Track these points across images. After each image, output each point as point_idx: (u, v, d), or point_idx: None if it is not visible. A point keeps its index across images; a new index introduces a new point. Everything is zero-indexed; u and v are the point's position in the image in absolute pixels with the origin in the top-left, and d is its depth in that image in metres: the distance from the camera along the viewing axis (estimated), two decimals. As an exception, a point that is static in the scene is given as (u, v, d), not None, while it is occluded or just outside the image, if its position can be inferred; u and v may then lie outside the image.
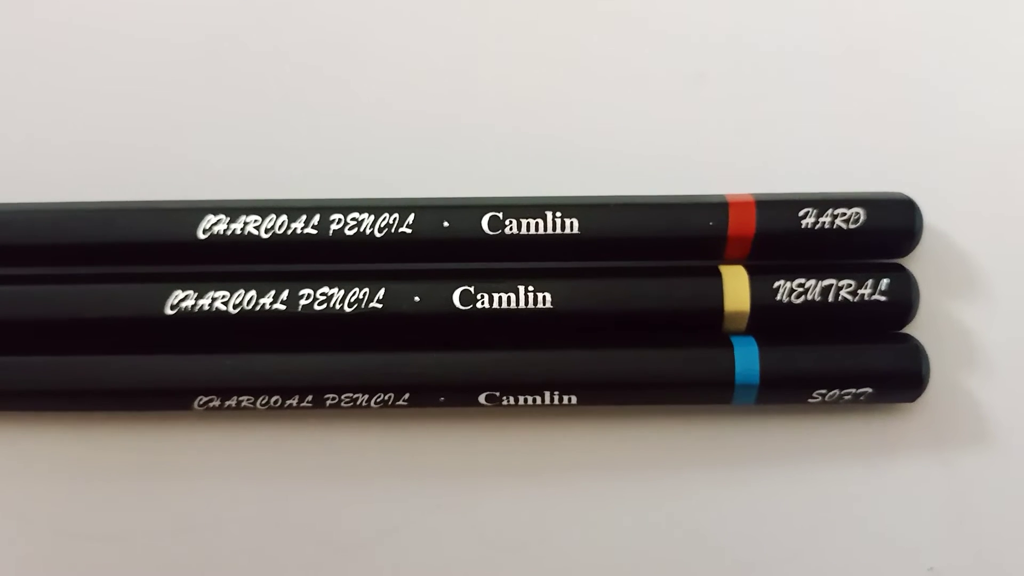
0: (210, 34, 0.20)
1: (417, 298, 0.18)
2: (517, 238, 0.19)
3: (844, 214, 0.19)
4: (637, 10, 0.20)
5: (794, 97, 0.20)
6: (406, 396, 0.18)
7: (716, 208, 0.19)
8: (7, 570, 0.19)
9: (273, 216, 0.19)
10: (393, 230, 0.19)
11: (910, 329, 0.19)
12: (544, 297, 0.18)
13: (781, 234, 0.19)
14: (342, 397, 0.18)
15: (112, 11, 0.20)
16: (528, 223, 0.19)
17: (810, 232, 0.19)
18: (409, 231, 0.19)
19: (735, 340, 0.18)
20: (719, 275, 0.19)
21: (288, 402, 0.19)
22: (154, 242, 0.19)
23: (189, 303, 0.18)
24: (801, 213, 0.19)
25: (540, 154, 0.20)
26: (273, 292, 0.18)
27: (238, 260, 0.19)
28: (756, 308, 0.18)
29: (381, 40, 0.20)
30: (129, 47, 0.20)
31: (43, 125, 0.20)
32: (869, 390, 0.18)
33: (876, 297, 0.19)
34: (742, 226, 0.19)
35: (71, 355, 0.18)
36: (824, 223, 0.19)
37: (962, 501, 0.19)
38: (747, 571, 0.19)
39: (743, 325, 0.19)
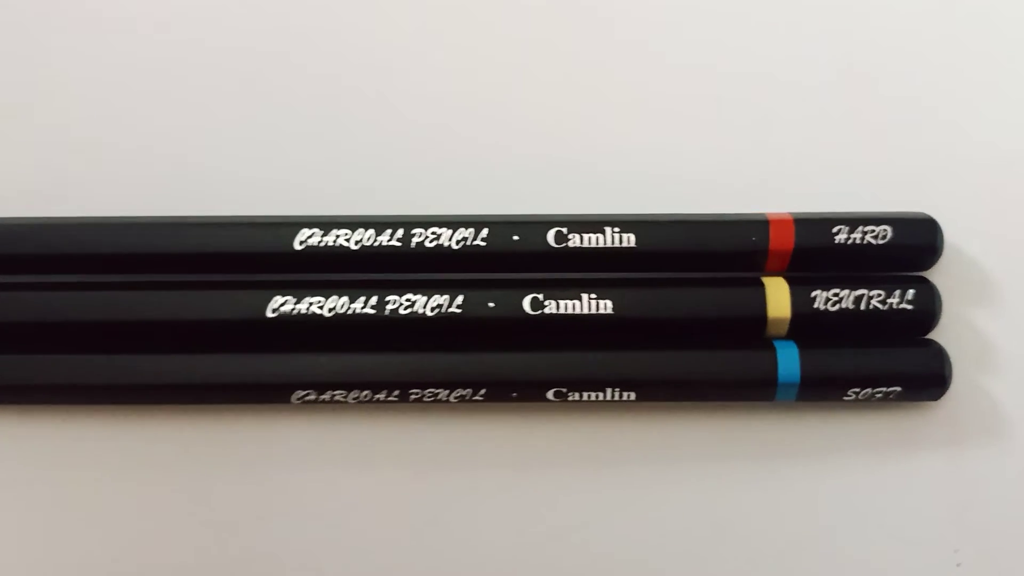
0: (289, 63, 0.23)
1: (491, 304, 0.21)
2: (580, 251, 0.21)
3: (873, 231, 0.21)
4: (675, 42, 0.23)
5: (824, 123, 0.22)
6: (482, 392, 0.21)
7: (758, 225, 0.21)
8: (124, 554, 0.21)
9: (362, 230, 0.21)
10: (468, 243, 0.21)
11: (933, 335, 0.21)
12: (605, 304, 0.21)
13: (817, 249, 0.21)
14: (425, 392, 0.21)
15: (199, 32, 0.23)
16: (589, 237, 0.21)
17: (843, 247, 0.21)
18: (483, 244, 0.21)
19: (777, 344, 0.20)
20: (762, 285, 0.21)
21: (376, 397, 0.21)
22: (256, 252, 0.21)
23: (288, 307, 0.21)
24: (835, 230, 0.21)
25: (600, 176, 0.22)
26: (363, 298, 0.21)
27: (330, 269, 0.21)
28: (796, 315, 0.20)
29: (447, 67, 0.23)
30: (224, 74, 0.23)
31: (161, 141, 0.22)
32: (898, 389, 0.20)
33: (903, 306, 0.21)
34: (782, 241, 0.21)
35: (185, 354, 0.21)
36: (855, 239, 0.21)
37: (982, 492, 0.21)
38: (788, 552, 0.21)
39: (784, 330, 0.21)
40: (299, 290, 0.21)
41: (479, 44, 0.23)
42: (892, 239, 0.21)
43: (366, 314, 0.21)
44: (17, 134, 0.22)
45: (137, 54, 0.23)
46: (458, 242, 0.21)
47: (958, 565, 0.21)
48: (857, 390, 0.20)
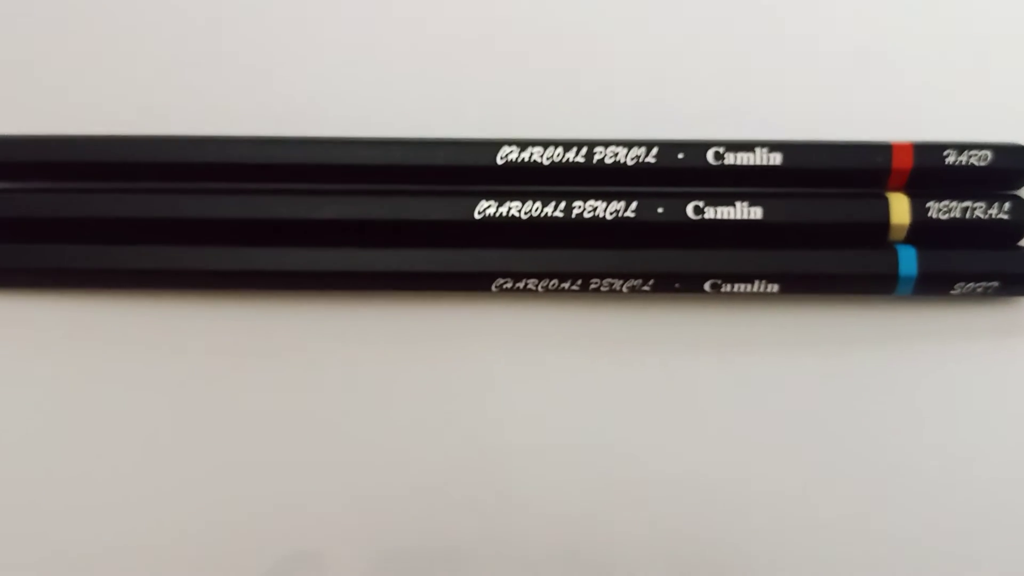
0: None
1: (660, 210, 0.25)
2: (735, 168, 0.25)
3: (976, 155, 0.25)
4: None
5: (939, 66, 0.27)
6: (651, 282, 0.25)
7: (883, 149, 0.25)
8: (286, 424, 0.25)
9: (552, 147, 0.25)
10: (641, 160, 0.25)
11: (1025, 242, 0.25)
12: (756, 211, 0.24)
13: (930, 169, 0.25)
14: (603, 283, 0.25)
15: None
16: (743, 156, 0.25)
17: (952, 167, 0.25)
18: (654, 161, 0.25)
19: (898, 246, 0.25)
20: (886, 199, 0.25)
21: (562, 285, 0.25)
22: (467, 166, 0.25)
23: (492, 210, 0.25)
24: (945, 153, 0.25)
25: (755, 102, 0.26)
26: (554, 203, 0.25)
27: (526, 181, 0.25)
28: (914, 222, 0.24)
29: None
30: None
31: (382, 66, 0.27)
32: (996, 284, 0.24)
33: (1000, 216, 0.25)
34: (902, 163, 0.25)
35: (410, 248, 0.25)
36: (962, 161, 0.25)
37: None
38: (896, 424, 0.25)
39: (903, 235, 0.25)
40: (501, 196, 0.25)
41: None
42: (992, 162, 0.25)
43: (556, 217, 0.25)
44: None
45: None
46: (632, 159, 0.25)
47: (1044, 437, 0.25)
48: (962, 284, 0.25)
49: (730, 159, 0.25)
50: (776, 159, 0.25)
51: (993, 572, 0.24)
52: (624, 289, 0.25)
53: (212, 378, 0.25)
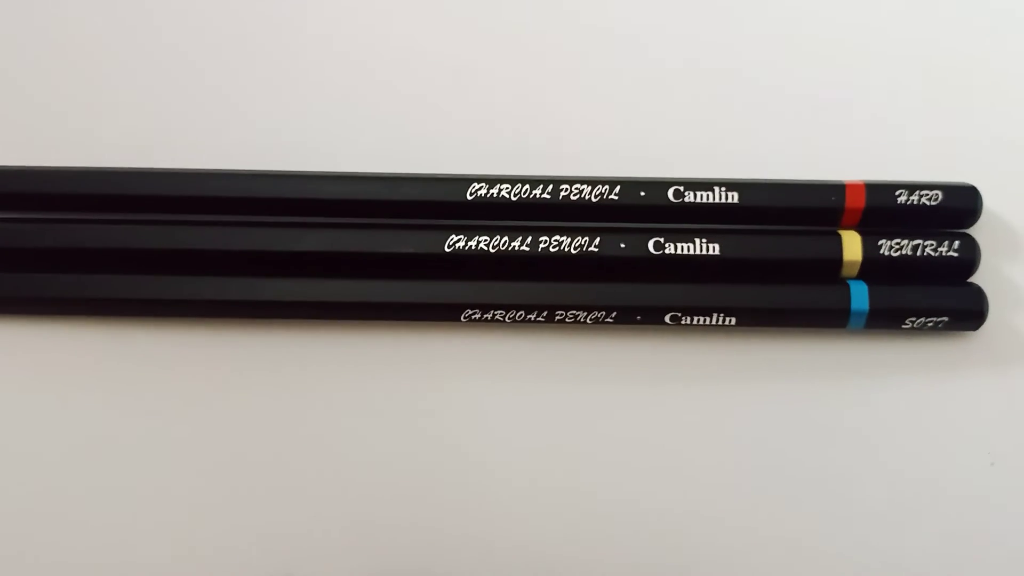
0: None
1: (623, 245, 0.26)
2: (694, 205, 0.26)
3: (927, 194, 0.26)
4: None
5: (892, 109, 0.28)
6: (613, 314, 0.26)
7: (837, 189, 0.26)
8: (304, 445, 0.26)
9: (520, 184, 0.26)
10: (605, 197, 0.26)
11: (974, 279, 0.26)
12: (714, 247, 0.26)
13: (882, 208, 0.26)
14: (567, 314, 0.26)
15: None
16: (701, 194, 0.26)
17: (904, 207, 0.26)
18: (617, 198, 0.26)
19: (850, 282, 0.26)
20: (839, 236, 0.26)
21: (528, 316, 0.26)
22: (437, 201, 0.26)
23: (461, 244, 0.26)
24: (897, 193, 0.26)
25: (714, 143, 0.28)
26: (521, 237, 0.26)
27: (494, 216, 0.26)
28: (866, 259, 0.26)
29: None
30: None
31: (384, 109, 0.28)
32: (945, 319, 0.26)
33: (950, 254, 0.26)
34: (855, 201, 0.26)
35: (381, 280, 0.26)
36: (913, 200, 0.26)
37: (1014, 405, 0.26)
38: (849, 451, 0.26)
39: (856, 272, 0.26)
40: (470, 231, 0.26)
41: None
42: (942, 201, 0.26)
43: (523, 251, 0.26)
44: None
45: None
46: (596, 196, 0.26)
47: (992, 464, 0.26)
48: (913, 319, 0.26)
49: (689, 197, 0.26)
50: (733, 197, 0.26)
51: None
52: (588, 321, 0.26)
53: (191, 402, 0.26)
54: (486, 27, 0.29)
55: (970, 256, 0.26)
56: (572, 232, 0.26)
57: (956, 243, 0.26)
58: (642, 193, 0.26)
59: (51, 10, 0.29)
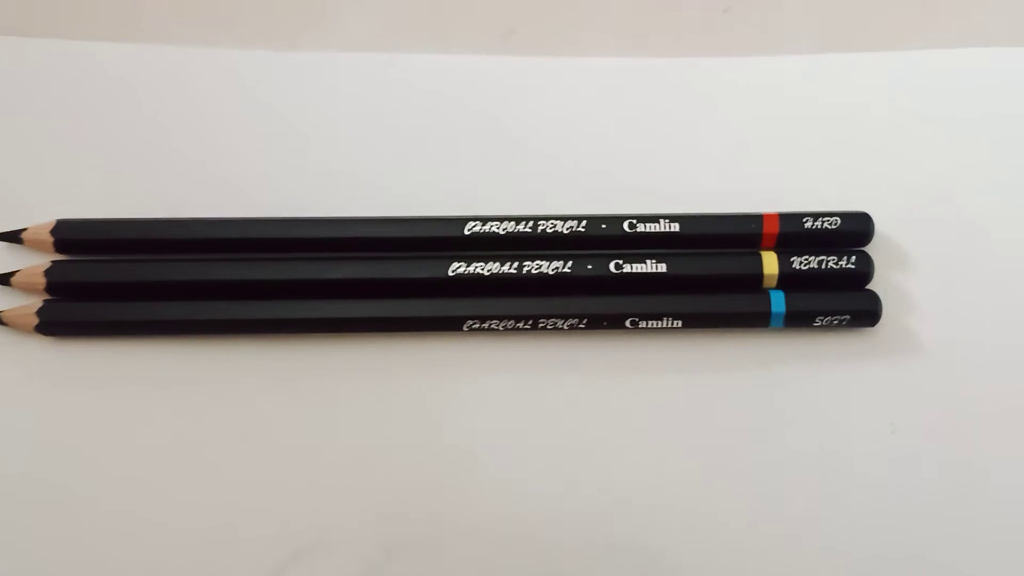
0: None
1: (590, 267, 0.32)
2: (645, 234, 0.32)
3: (829, 220, 0.33)
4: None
5: (800, 153, 0.35)
6: (585, 321, 0.32)
7: (756, 218, 0.33)
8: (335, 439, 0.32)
9: (507, 221, 0.33)
10: (574, 229, 0.32)
11: (871, 286, 0.33)
12: (661, 266, 0.32)
13: (793, 232, 0.33)
14: (548, 322, 0.32)
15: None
16: (650, 225, 0.33)
17: (810, 231, 0.33)
18: (584, 230, 0.32)
19: (771, 291, 0.32)
20: (759, 255, 0.32)
21: (518, 325, 0.32)
22: (441, 236, 0.33)
23: (462, 270, 0.32)
24: (804, 220, 0.33)
25: (660, 184, 0.34)
26: (509, 263, 0.32)
27: (487, 247, 0.32)
28: (782, 273, 0.32)
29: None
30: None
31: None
32: (847, 318, 0.32)
33: (849, 266, 0.32)
34: (771, 228, 0.33)
35: (396, 299, 0.32)
36: (817, 225, 0.33)
37: (905, 386, 0.32)
38: (770, 429, 0.32)
39: (774, 283, 0.32)
40: (468, 259, 0.32)
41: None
42: (840, 226, 0.33)
43: (511, 274, 0.32)
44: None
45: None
46: (568, 229, 0.32)
47: (893, 433, 0.32)
48: (822, 318, 0.32)
49: (641, 228, 0.33)
50: (675, 227, 0.33)
51: (853, 559, 0.31)
52: (565, 327, 0.32)
53: (236, 409, 0.32)
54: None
55: (865, 268, 0.32)
56: (549, 258, 0.32)
57: (854, 258, 0.32)
58: (603, 226, 0.33)
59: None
